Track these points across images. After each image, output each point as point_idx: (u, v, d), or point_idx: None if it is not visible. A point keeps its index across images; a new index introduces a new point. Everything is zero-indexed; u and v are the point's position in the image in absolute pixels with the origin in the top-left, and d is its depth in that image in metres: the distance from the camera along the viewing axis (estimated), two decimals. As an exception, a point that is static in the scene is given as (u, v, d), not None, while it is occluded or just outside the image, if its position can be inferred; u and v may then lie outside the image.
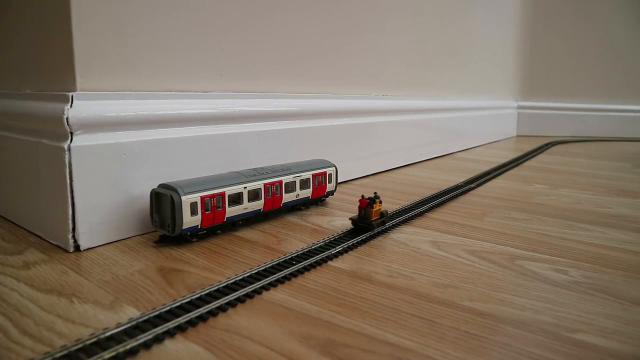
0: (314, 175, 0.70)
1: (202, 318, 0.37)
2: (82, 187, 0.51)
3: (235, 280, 0.43)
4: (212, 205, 0.55)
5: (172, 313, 0.37)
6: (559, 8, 2.16)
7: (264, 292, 0.42)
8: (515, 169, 1.20)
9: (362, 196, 0.60)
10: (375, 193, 0.61)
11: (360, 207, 0.59)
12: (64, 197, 0.51)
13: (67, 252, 0.51)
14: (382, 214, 0.61)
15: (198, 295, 0.40)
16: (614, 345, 0.35)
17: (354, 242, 0.56)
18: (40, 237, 0.56)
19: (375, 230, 0.60)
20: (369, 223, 0.59)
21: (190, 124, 0.63)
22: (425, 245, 0.56)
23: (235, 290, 0.41)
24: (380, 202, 0.60)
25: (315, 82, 0.89)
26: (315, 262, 0.49)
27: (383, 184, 0.94)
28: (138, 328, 0.35)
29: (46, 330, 0.35)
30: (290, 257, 0.50)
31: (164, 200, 0.53)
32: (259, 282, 0.43)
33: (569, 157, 1.45)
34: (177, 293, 0.42)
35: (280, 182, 0.64)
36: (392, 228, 0.63)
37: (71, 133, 0.50)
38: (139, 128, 0.57)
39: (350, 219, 0.61)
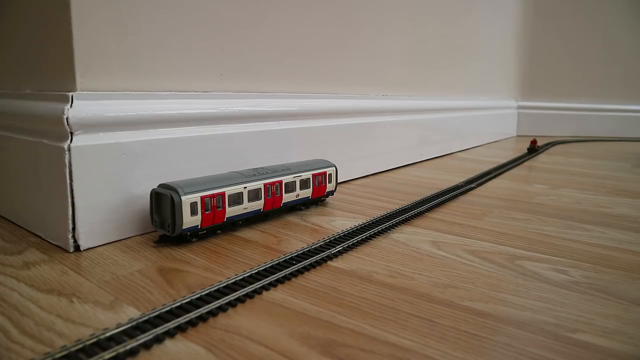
0: (314, 175, 0.70)
1: (202, 318, 0.37)
2: (82, 187, 0.51)
3: (235, 280, 0.43)
4: (212, 205, 0.55)
5: (172, 313, 0.37)
6: (559, 8, 2.16)
7: (264, 292, 0.42)
8: (515, 169, 1.20)
9: (532, 139, 1.54)
10: (535, 139, 1.55)
11: (531, 143, 1.54)
12: (64, 197, 0.51)
13: (67, 252, 0.51)
14: (540, 146, 1.58)
15: (198, 295, 0.40)
16: (614, 345, 0.35)
17: (353, 242, 0.56)
18: (40, 237, 0.56)
19: (535, 153, 1.49)
20: (536, 150, 1.52)
21: (190, 124, 0.63)
22: (425, 245, 0.56)
23: (235, 290, 0.41)
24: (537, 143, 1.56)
25: (315, 82, 0.89)
26: (315, 262, 0.49)
27: (383, 184, 0.94)
28: (138, 328, 0.35)
29: (46, 330, 0.35)
30: (290, 257, 0.50)
31: (164, 200, 0.53)
32: (259, 282, 0.43)
33: (569, 157, 1.45)
34: (177, 293, 0.42)
35: (280, 182, 0.64)
36: (392, 228, 0.63)
37: (71, 133, 0.50)
38: (139, 128, 0.57)
39: (527, 148, 1.53)
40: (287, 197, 0.66)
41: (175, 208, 0.51)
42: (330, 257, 0.51)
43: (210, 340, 0.34)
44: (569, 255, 0.54)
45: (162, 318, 0.36)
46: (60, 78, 0.54)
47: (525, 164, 1.30)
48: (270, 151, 0.76)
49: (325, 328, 0.36)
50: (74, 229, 0.51)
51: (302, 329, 0.36)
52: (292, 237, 0.58)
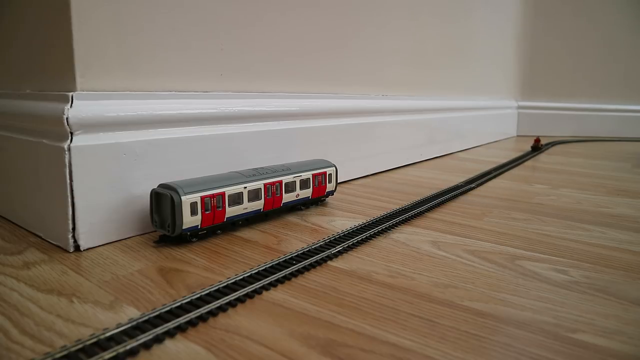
0: (314, 175, 0.70)
1: (202, 318, 0.37)
2: (82, 187, 0.51)
3: (235, 280, 0.43)
4: (212, 205, 0.55)
5: (172, 313, 0.37)
6: (559, 8, 2.16)
7: (264, 292, 0.42)
8: (516, 169, 1.20)
9: (536, 138, 1.60)
10: (538, 137, 1.61)
11: (534, 142, 1.59)
12: (64, 197, 0.51)
13: (67, 252, 0.51)
14: (543, 145, 1.67)
15: (198, 295, 0.40)
16: (614, 345, 0.35)
17: (353, 241, 0.56)
18: (40, 237, 0.56)
19: (538, 152, 1.56)
20: (539, 148, 1.57)
21: (190, 124, 0.63)
22: (425, 245, 0.56)
23: (235, 290, 0.41)
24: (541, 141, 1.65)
25: (315, 82, 0.89)
26: (315, 262, 0.49)
27: (383, 184, 0.94)
28: (138, 328, 0.35)
29: (46, 330, 0.35)
30: (290, 257, 0.50)
31: (164, 200, 0.53)
32: (259, 282, 0.43)
33: (569, 157, 1.45)
34: (177, 293, 0.42)
35: (280, 182, 0.64)
36: (392, 228, 0.63)
37: (71, 133, 0.50)
38: (139, 128, 0.57)
39: (531, 147, 1.59)
40: (287, 197, 0.66)
41: (175, 208, 0.51)
42: (330, 257, 0.51)
43: (210, 340, 0.34)
44: (569, 255, 0.54)
45: (162, 318, 0.36)
46: (60, 78, 0.54)
47: (526, 163, 1.30)
48: (270, 151, 0.76)
49: (325, 328, 0.36)
50: (74, 229, 0.51)
51: (302, 329, 0.36)
52: (292, 237, 0.58)
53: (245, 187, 0.59)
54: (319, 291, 0.43)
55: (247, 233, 0.60)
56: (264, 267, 0.47)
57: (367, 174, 1.03)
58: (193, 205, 0.53)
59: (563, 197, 0.85)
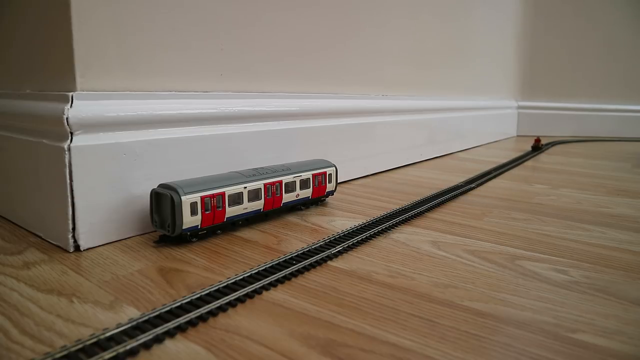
0: (314, 175, 0.70)
1: (202, 318, 0.37)
2: (82, 187, 0.51)
3: (235, 280, 0.43)
4: (212, 205, 0.55)
5: (172, 313, 0.37)
6: (560, 8, 2.16)
7: (264, 292, 0.42)
8: (516, 169, 1.20)
9: (536, 138, 1.61)
10: (538, 137, 1.63)
11: (534, 142, 1.60)
12: (64, 197, 0.51)
13: (67, 252, 0.51)
14: (543, 145, 1.68)
15: (198, 295, 0.40)
16: (614, 345, 0.35)
17: (353, 241, 0.56)
18: (40, 237, 0.56)
19: (539, 152, 1.57)
20: (539, 148, 1.58)
21: (190, 124, 0.63)
22: (425, 245, 0.56)
23: (235, 290, 0.41)
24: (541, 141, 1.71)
25: (315, 82, 0.89)
26: (315, 262, 0.49)
27: (383, 184, 0.94)
28: (138, 328, 0.35)
29: (46, 330, 0.35)
30: (290, 257, 0.50)
31: (164, 200, 0.53)
32: (259, 282, 0.43)
33: (569, 157, 1.45)
34: (177, 293, 0.42)
35: (280, 182, 0.64)
36: (392, 228, 0.63)
37: (71, 133, 0.50)
38: (139, 128, 0.57)
39: (531, 146, 1.60)
40: (287, 197, 0.66)
41: (175, 208, 0.51)
42: (330, 257, 0.51)
43: (210, 340, 0.34)
44: (569, 255, 0.54)
45: (162, 318, 0.36)
46: (60, 78, 0.54)
47: (526, 163, 1.30)
48: (270, 151, 0.76)
49: (325, 328, 0.36)
50: (74, 229, 0.51)
51: (302, 329, 0.36)
52: (292, 237, 0.58)
53: (245, 187, 0.59)
54: (319, 291, 0.43)
55: (247, 233, 0.60)
56: (264, 267, 0.47)
57: (367, 174, 1.03)
58: (193, 205, 0.53)
59: (563, 197, 0.85)
